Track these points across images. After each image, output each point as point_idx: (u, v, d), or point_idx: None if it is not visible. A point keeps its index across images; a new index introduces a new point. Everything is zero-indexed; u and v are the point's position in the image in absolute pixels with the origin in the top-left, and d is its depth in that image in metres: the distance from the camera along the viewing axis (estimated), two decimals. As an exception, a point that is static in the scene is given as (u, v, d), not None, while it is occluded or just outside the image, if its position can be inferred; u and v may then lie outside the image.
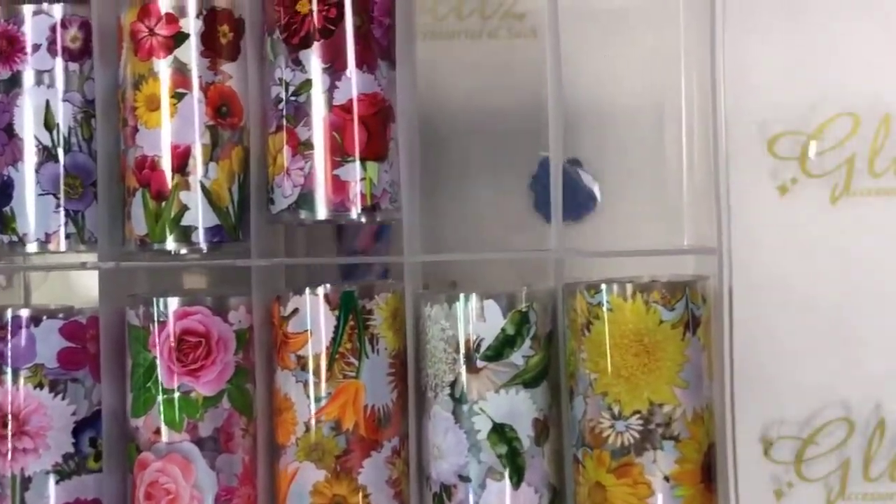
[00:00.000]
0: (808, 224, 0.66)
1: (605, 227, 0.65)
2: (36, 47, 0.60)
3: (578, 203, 0.67)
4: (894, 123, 0.66)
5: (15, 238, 0.60)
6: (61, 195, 0.60)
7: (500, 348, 0.58)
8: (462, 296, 0.58)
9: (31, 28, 0.60)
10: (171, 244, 0.59)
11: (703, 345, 0.56)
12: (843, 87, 0.66)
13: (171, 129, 0.59)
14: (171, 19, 0.59)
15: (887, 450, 0.65)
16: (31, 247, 0.60)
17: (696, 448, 0.55)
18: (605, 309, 0.55)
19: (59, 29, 0.60)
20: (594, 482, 0.56)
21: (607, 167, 0.67)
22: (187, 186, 0.59)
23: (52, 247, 0.60)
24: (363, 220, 0.60)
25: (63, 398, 0.59)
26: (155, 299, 0.59)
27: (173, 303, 0.59)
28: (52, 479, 0.59)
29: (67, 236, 0.60)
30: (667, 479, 0.55)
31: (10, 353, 0.59)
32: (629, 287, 0.55)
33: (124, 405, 0.60)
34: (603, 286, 0.55)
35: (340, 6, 0.58)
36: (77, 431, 0.59)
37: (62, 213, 0.60)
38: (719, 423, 0.56)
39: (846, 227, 0.66)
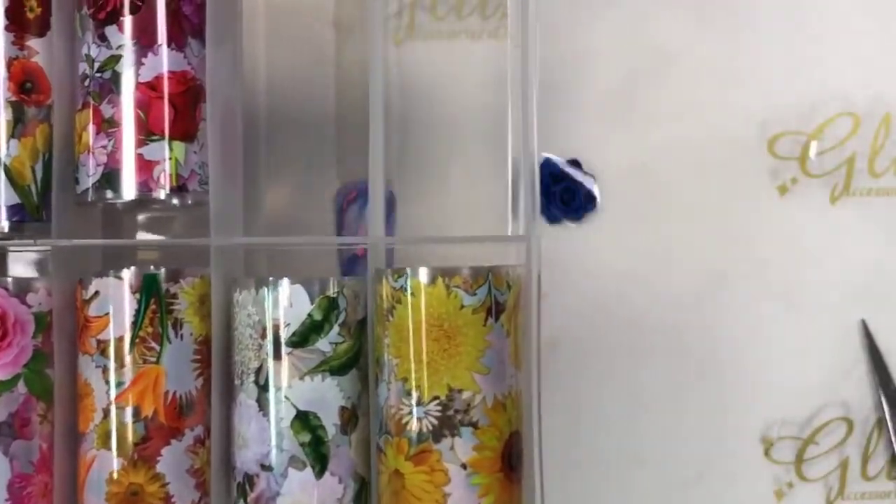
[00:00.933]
0: (808, 224, 0.66)
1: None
2: None
3: (578, 204, 0.66)
4: (894, 123, 0.66)
5: None
6: None
7: (307, 334, 0.56)
8: (270, 280, 0.57)
9: None
10: (-32, 223, 0.58)
11: (506, 331, 0.55)
12: (843, 87, 0.66)
13: (-30, 103, 0.57)
14: (-27, -9, 0.57)
15: (885, 448, 0.65)
16: None
17: (496, 436, 0.55)
18: (407, 293, 0.54)
19: None
20: (393, 470, 0.55)
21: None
22: (-14, 163, 0.57)
23: None
24: (174, 201, 0.59)
25: None
26: (-50, 278, 0.57)
27: (-35, 283, 0.57)
28: None
29: None
30: (464, 466, 0.54)
31: None
32: (431, 271, 0.54)
33: (-83, 392, 0.58)
34: (407, 270, 0.54)
35: (149, -19, 0.57)
36: None
37: None
38: (526, 412, 0.56)
39: (846, 227, 0.66)
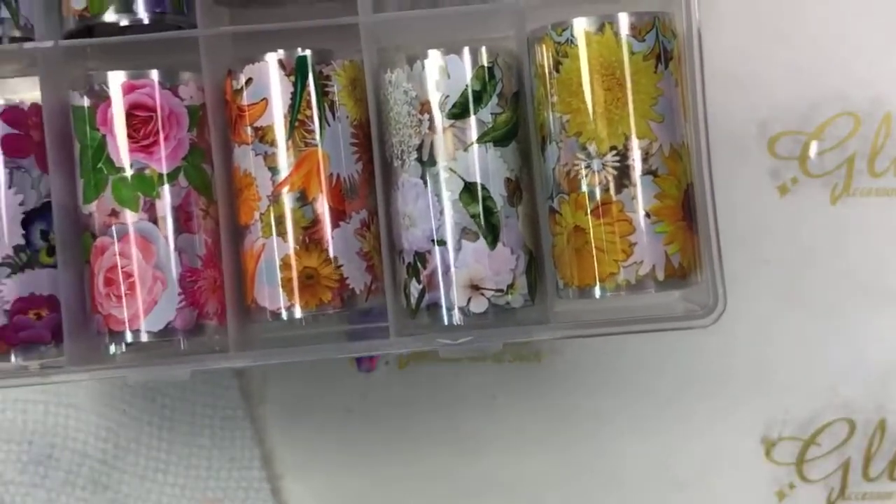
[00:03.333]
0: (808, 224, 0.66)
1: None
2: None
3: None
4: (895, 123, 0.66)
5: (-55, 24, 0.57)
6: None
7: (467, 104, 0.55)
8: (422, 54, 0.56)
9: None
10: (111, 15, 0.56)
11: (676, 80, 0.54)
12: (843, 87, 0.66)
13: None
14: None
15: (887, 450, 0.66)
16: (-38, 32, 0.57)
17: (675, 184, 0.54)
18: (574, 45, 0.53)
19: None
20: (573, 227, 0.54)
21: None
22: (125, -47, 0.55)
23: (-17, 31, 0.57)
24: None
25: (10, 187, 0.56)
26: (97, 74, 0.56)
27: (120, 76, 0.55)
28: (3, 272, 0.55)
29: (0, 21, 0.57)
30: (648, 215, 0.53)
31: (-51, 141, 0.56)
32: (597, 19, 0.53)
33: (74, 197, 0.57)
34: (572, 21, 0.53)
35: None
36: (26, 223, 0.56)
37: (-8, -4, 0.56)
38: (696, 165, 0.55)
39: (846, 227, 0.66)
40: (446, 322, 0.56)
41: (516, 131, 0.57)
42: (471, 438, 0.66)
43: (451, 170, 0.56)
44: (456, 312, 0.56)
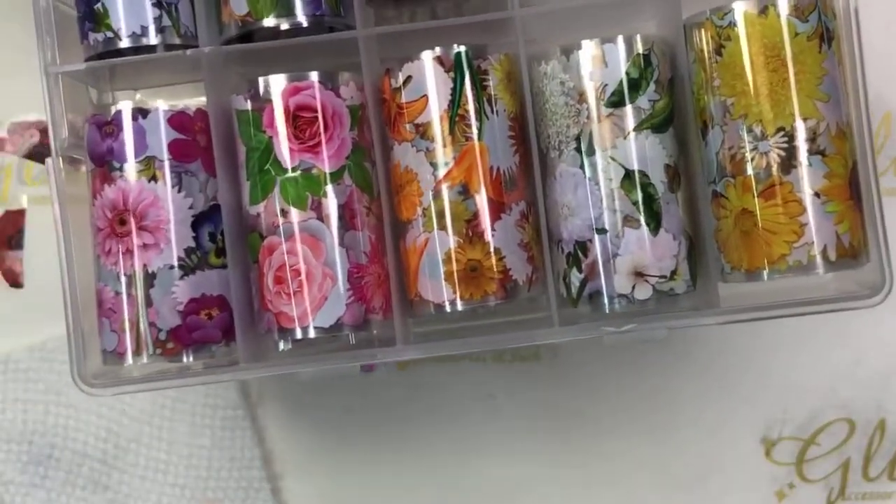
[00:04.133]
0: None
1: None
2: None
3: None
4: (894, 123, 0.66)
5: (110, 34, 0.58)
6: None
7: (624, 93, 0.56)
8: (576, 45, 0.56)
9: None
10: (272, 20, 0.57)
11: (838, 60, 0.54)
12: None
13: None
14: None
15: (887, 450, 0.65)
16: (126, 41, 0.58)
17: (843, 164, 0.54)
18: (737, 27, 0.53)
19: None
20: (740, 210, 0.54)
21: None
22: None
23: (147, 40, 0.58)
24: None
25: (179, 190, 0.57)
26: (262, 79, 0.57)
27: (281, 80, 0.56)
28: (176, 274, 0.57)
29: (162, 29, 0.59)
30: (817, 195, 0.53)
31: (120, 147, 0.57)
32: (760, 2, 0.53)
33: (240, 199, 0.58)
34: (733, 4, 0.53)
35: None
36: (196, 225, 0.58)
37: (153, 4, 0.58)
38: (859, 143, 0.55)
39: None
40: (608, 310, 0.57)
41: (673, 117, 0.57)
42: (471, 438, 0.67)
43: (611, 158, 0.56)
44: (619, 300, 0.56)
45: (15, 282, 0.66)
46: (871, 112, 0.61)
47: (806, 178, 0.53)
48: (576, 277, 0.57)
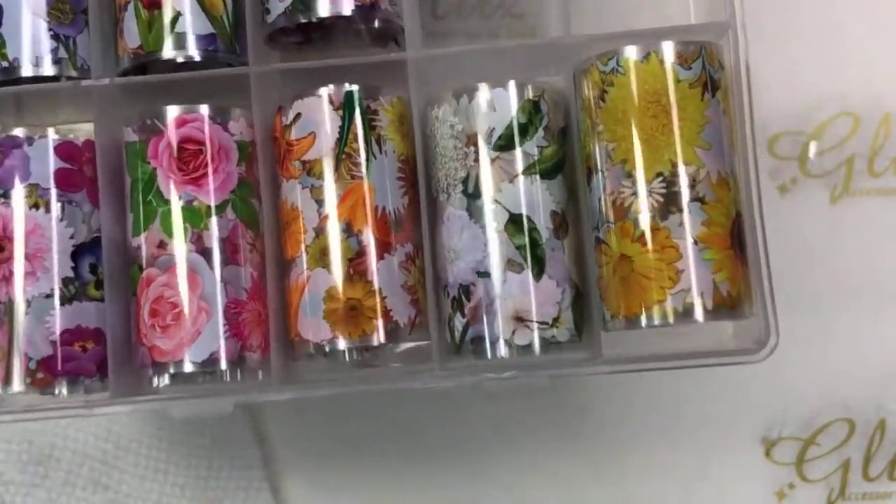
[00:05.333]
0: (808, 224, 0.66)
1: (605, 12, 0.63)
2: None
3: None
4: (894, 123, 0.66)
5: (5, 64, 0.58)
6: (51, 19, 0.57)
7: (513, 137, 0.55)
8: (467, 88, 0.56)
9: None
10: (166, 52, 0.57)
11: (723, 109, 0.54)
12: (843, 87, 0.66)
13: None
14: None
15: (887, 450, 0.65)
16: (24, 70, 0.58)
17: (724, 212, 0.53)
18: (619, 74, 0.53)
19: None
20: (619, 256, 0.53)
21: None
22: (180, -7, 0.57)
23: (43, 71, 0.58)
24: (359, 21, 0.58)
25: (61, 220, 0.56)
26: (151, 110, 0.56)
27: (172, 111, 0.56)
28: (52, 303, 0.56)
29: (58, 60, 0.59)
30: (695, 242, 0.52)
31: (4, 173, 0.56)
32: (641, 48, 0.53)
33: (124, 231, 0.58)
34: (618, 50, 0.53)
35: None
36: (76, 256, 0.57)
37: (51, 37, 0.58)
38: (745, 195, 0.54)
39: (846, 227, 0.66)
40: (490, 356, 0.55)
41: (563, 166, 0.57)
42: (471, 440, 0.66)
43: (496, 201, 0.55)
44: (500, 345, 0.55)
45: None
46: (867, 117, 0.63)
47: (684, 225, 0.52)
48: (459, 322, 0.56)
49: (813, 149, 0.66)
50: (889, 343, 0.66)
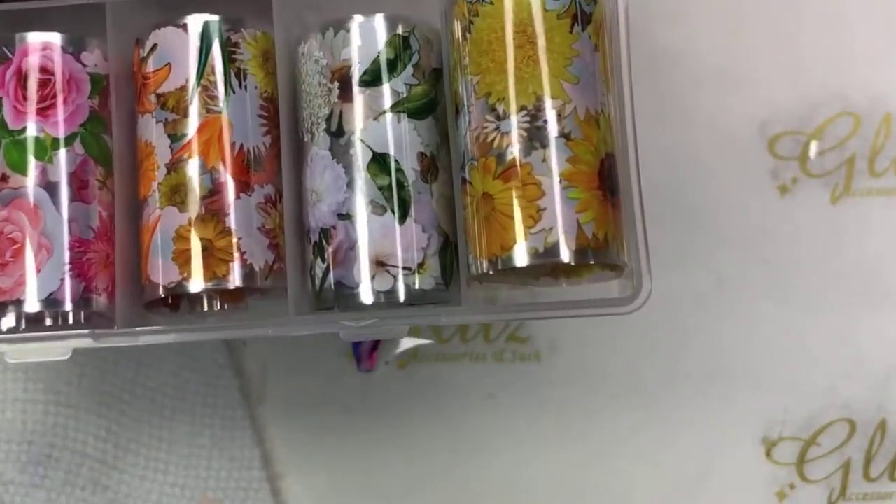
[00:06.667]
0: (808, 224, 0.65)
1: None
2: None
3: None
4: (894, 123, 0.66)
5: None
6: None
7: (379, 72, 0.52)
8: (335, 21, 0.53)
9: None
10: (17, -22, 0.54)
11: (595, 45, 0.51)
12: (843, 87, 0.66)
13: None
14: None
15: (887, 450, 0.64)
16: None
17: (591, 150, 0.50)
18: (485, 3, 0.50)
19: None
20: (481, 194, 0.50)
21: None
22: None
23: None
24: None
25: None
26: (4, 39, 0.54)
27: (21, 38, 0.53)
28: None
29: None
30: (560, 179, 0.49)
31: None
32: (510, -24, 0.50)
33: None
34: (484, -22, 0.50)
35: None
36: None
37: None
38: (620, 137, 0.51)
39: (847, 227, 0.66)
40: (351, 303, 0.52)
41: (434, 107, 0.54)
42: (471, 438, 0.65)
43: (360, 139, 0.52)
44: (361, 292, 0.52)
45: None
46: (868, 117, 0.62)
47: (548, 161, 0.49)
48: (319, 268, 0.53)
49: (813, 148, 0.66)
50: (889, 343, 0.65)
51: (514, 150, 0.50)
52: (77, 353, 0.56)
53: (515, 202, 0.49)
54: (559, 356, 0.65)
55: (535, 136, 0.50)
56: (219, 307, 0.56)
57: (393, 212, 0.52)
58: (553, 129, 0.50)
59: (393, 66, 0.53)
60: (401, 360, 0.65)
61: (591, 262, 0.50)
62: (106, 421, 0.63)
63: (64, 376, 0.63)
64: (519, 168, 0.49)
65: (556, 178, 0.49)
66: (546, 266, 0.53)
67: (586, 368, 0.65)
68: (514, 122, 0.50)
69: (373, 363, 0.64)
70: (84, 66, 0.54)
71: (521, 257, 0.49)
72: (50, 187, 0.52)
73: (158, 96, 0.53)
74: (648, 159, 0.62)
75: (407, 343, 0.64)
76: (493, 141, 0.50)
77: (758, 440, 0.65)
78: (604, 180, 0.50)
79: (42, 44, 0.53)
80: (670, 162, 0.66)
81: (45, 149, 0.53)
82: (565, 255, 0.49)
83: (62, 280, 0.52)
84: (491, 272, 0.50)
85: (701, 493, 0.65)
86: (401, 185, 0.52)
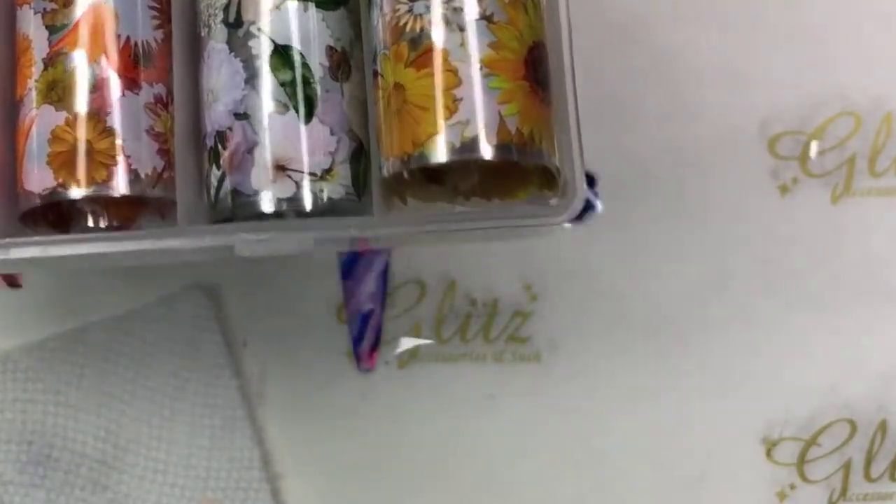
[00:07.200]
0: (808, 224, 0.65)
1: None
2: None
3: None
4: (895, 123, 0.65)
5: None
6: None
7: (282, -44, 0.47)
8: None
9: None
10: None
11: (521, -77, 0.46)
12: (844, 87, 0.66)
13: None
14: None
15: (888, 450, 0.63)
16: None
17: (516, 37, 0.44)
18: None
19: None
20: (392, 85, 0.44)
21: None
22: None
23: None
24: None
25: None
26: None
27: None
28: None
29: None
30: (479, 67, 0.44)
31: None
32: None
33: None
34: None
35: None
36: None
37: None
38: (553, 27, 0.46)
39: (847, 227, 0.66)
40: (249, 212, 0.46)
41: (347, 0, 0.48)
42: (471, 438, 0.63)
43: (259, 29, 0.47)
44: (261, 199, 0.46)
45: (13, 282, 0.62)
46: (868, 116, 0.62)
47: (466, 45, 0.43)
48: (214, 176, 0.47)
49: (814, 148, 0.65)
50: (890, 343, 0.65)
51: (429, 34, 0.44)
52: (77, 353, 0.60)
53: (429, 92, 0.43)
54: (559, 356, 0.63)
55: (452, 19, 0.44)
56: (106, 224, 0.50)
57: (296, 110, 0.46)
58: (472, 10, 0.44)
59: (298, -51, 0.47)
60: (401, 360, 0.63)
61: (515, 160, 0.44)
62: (106, 421, 0.61)
63: (64, 376, 0.62)
64: (433, 53, 0.44)
65: (476, 65, 0.43)
66: (471, 175, 0.47)
67: (586, 369, 0.64)
68: (429, 3, 0.44)
69: (373, 363, 0.62)
70: (-47, -50, 0.48)
71: (434, 153, 0.43)
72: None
73: (37, -15, 0.48)
74: (648, 159, 0.64)
75: (407, 343, 0.62)
76: (405, 24, 0.44)
77: (758, 440, 0.64)
78: (531, 70, 0.45)
79: None
80: (670, 161, 0.65)
81: None
82: (485, 151, 0.43)
83: (-78, 186, 0.46)
84: (403, 173, 0.44)
85: (701, 493, 0.64)
86: (306, 82, 0.47)
